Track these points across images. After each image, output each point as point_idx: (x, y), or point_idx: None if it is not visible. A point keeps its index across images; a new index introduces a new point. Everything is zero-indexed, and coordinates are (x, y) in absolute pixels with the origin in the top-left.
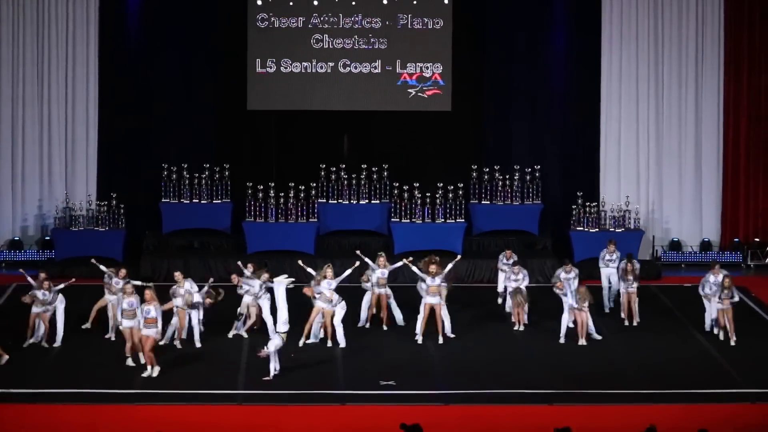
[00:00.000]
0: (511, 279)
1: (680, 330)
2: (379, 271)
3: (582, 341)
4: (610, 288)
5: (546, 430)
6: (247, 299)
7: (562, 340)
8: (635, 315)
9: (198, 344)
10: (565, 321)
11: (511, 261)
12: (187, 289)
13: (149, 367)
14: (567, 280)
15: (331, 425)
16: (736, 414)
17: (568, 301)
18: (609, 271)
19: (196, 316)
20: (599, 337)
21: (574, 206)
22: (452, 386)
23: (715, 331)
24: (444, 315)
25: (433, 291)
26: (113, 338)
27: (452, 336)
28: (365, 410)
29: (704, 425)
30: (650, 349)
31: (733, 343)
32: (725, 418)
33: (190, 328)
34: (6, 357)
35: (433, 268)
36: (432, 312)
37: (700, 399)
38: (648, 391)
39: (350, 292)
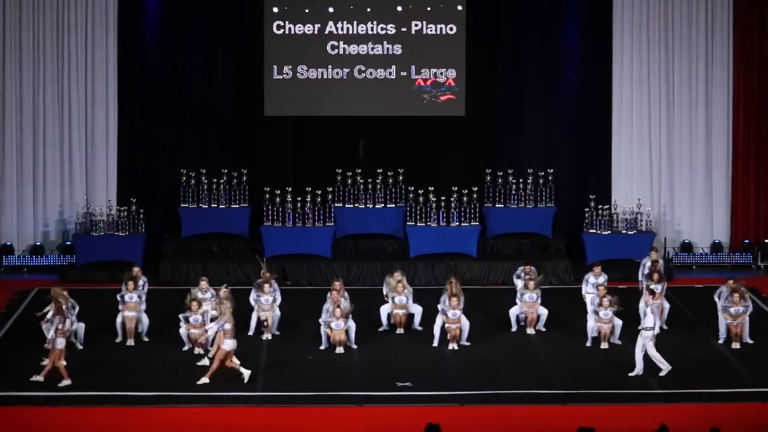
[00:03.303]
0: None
1: (692, 330)
2: (397, 299)
3: (605, 344)
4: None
5: (560, 431)
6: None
7: (588, 343)
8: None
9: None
10: (592, 329)
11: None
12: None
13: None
14: (596, 285)
15: (349, 426)
16: (747, 413)
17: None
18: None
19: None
20: (619, 342)
21: (586, 209)
22: (468, 387)
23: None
24: (463, 323)
25: (453, 305)
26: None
27: (467, 344)
28: (382, 411)
29: (716, 424)
30: (662, 348)
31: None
32: (737, 417)
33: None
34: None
35: (454, 301)
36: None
37: (711, 398)
38: (660, 391)
39: (370, 295)
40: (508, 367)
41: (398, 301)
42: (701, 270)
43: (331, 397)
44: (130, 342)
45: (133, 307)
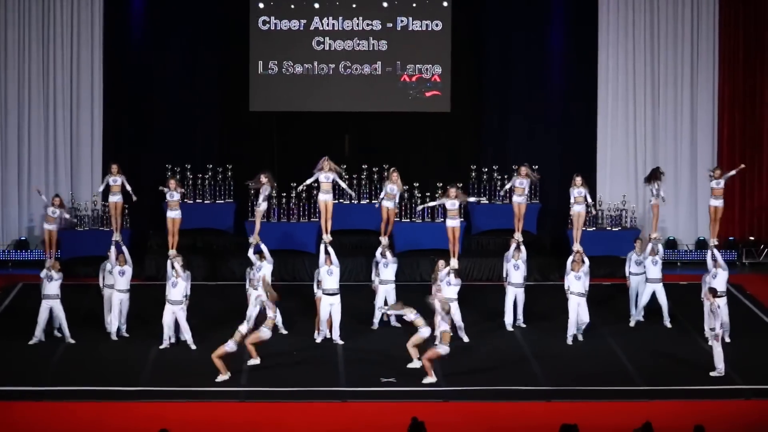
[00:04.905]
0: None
1: (676, 326)
2: (388, 187)
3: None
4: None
5: (543, 427)
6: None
7: (569, 341)
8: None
9: (193, 346)
10: (573, 323)
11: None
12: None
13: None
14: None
15: (333, 422)
16: (732, 410)
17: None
18: (638, 279)
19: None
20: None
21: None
22: (452, 383)
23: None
24: (455, 314)
25: (452, 214)
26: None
27: (467, 340)
28: (366, 407)
29: (700, 422)
30: (646, 345)
31: None
32: (721, 414)
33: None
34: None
35: (453, 192)
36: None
37: (696, 395)
38: (644, 387)
39: (358, 291)
40: (492, 364)
41: (389, 189)
42: (686, 267)
43: (315, 392)
44: (117, 236)
45: (117, 190)
